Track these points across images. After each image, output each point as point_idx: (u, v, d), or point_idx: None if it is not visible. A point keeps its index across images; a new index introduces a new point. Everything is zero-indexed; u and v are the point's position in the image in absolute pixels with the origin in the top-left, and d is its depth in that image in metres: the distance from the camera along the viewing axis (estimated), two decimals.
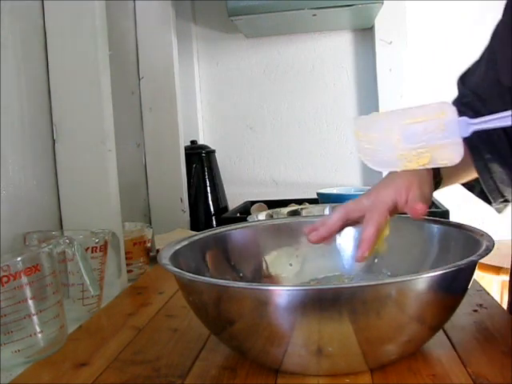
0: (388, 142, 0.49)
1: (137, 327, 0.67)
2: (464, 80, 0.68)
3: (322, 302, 0.45)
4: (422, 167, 0.48)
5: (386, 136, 0.49)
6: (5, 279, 0.54)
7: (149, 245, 0.99)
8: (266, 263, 0.72)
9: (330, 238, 0.60)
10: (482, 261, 0.50)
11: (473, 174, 0.65)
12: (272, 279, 0.71)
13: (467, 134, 0.45)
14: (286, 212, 1.14)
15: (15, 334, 0.56)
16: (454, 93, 0.69)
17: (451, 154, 0.45)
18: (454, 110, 0.45)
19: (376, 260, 0.69)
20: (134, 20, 1.35)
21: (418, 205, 0.55)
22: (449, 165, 0.46)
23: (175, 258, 0.58)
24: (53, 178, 0.85)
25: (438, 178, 0.63)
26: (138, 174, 1.35)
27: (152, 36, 1.36)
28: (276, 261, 0.72)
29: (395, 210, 0.58)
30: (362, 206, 0.59)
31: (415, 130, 0.46)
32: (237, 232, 0.72)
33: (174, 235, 1.20)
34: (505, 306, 0.73)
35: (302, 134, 1.67)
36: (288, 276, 0.71)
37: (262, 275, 0.70)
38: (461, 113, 0.46)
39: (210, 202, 1.50)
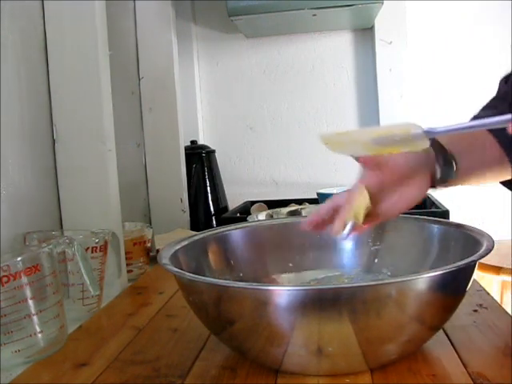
0: (358, 146, 0.53)
1: (137, 327, 0.67)
2: (508, 79, 0.68)
3: (322, 302, 0.45)
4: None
5: (355, 142, 0.53)
6: (5, 279, 0.54)
7: (149, 245, 0.99)
8: (266, 263, 0.72)
9: (321, 224, 0.60)
10: (482, 261, 0.50)
11: (504, 174, 0.65)
12: (272, 279, 0.71)
13: (434, 135, 0.48)
14: (286, 212, 1.14)
15: (15, 334, 0.56)
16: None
17: (421, 143, 0.49)
18: (419, 127, 0.48)
19: (376, 260, 0.70)
20: (134, 20, 1.35)
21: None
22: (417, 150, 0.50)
23: (175, 258, 0.58)
24: (53, 178, 0.85)
25: (447, 161, 0.60)
26: (138, 174, 1.35)
27: (152, 36, 1.36)
28: (276, 261, 0.72)
29: (379, 186, 0.58)
30: (347, 191, 0.60)
31: (383, 138, 0.50)
32: (237, 232, 0.72)
33: (174, 235, 1.20)
34: (505, 306, 0.73)
35: (301, 133, 1.67)
36: (288, 276, 0.71)
37: (262, 275, 0.70)
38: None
39: (210, 202, 1.50)
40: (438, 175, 0.59)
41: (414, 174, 0.59)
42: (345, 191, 0.61)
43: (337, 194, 0.62)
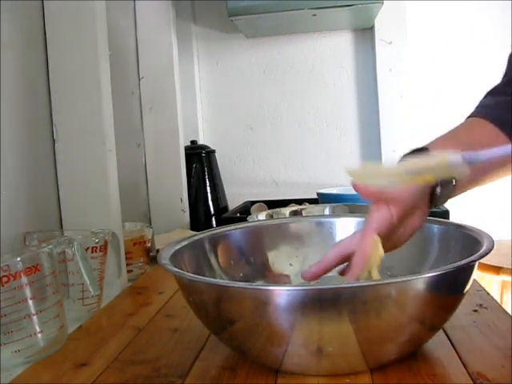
0: (388, 176, 0.52)
1: (137, 327, 0.67)
2: None
3: (322, 302, 0.45)
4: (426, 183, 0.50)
5: (384, 173, 0.52)
6: (5, 279, 0.54)
7: (149, 245, 0.99)
8: (266, 263, 0.72)
9: (324, 274, 0.59)
10: (481, 261, 0.50)
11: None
12: (272, 279, 0.71)
13: (475, 161, 0.47)
14: (286, 212, 1.14)
15: (15, 334, 0.56)
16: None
17: (461, 168, 0.47)
18: (457, 154, 0.47)
19: None
20: (134, 20, 1.35)
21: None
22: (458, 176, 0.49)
23: (175, 258, 0.58)
24: (53, 178, 0.85)
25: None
26: (138, 174, 1.35)
27: (152, 36, 1.36)
28: (276, 261, 0.72)
29: (389, 228, 0.56)
30: (355, 238, 0.58)
31: (417, 168, 0.49)
32: (237, 232, 0.72)
33: (174, 235, 1.20)
34: (505, 306, 0.73)
35: (302, 133, 1.67)
36: (288, 276, 0.71)
37: (262, 275, 0.70)
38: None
39: (210, 202, 1.50)
40: (438, 194, 0.57)
41: (418, 203, 0.57)
42: (352, 235, 0.59)
43: (342, 240, 0.59)
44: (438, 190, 0.57)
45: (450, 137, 0.62)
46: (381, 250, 0.55)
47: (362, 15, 1.46)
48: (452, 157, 0.47)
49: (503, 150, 0.45)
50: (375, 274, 0.54)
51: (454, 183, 0.57)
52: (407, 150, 0.59)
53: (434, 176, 0.49)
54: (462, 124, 0.65)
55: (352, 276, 0.55)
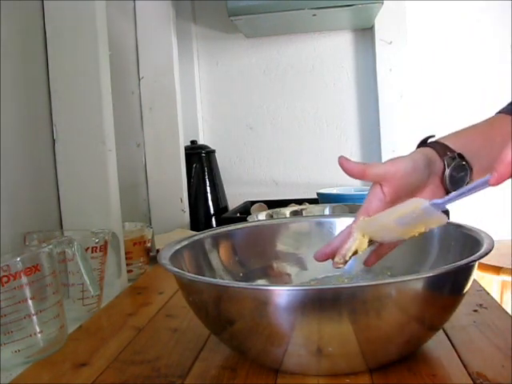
0: (389, 231, 0.54)
1: (137, 327, 0.67)
2: None
3: (322, 302, 0.45)
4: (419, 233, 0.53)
5: (384, 227, 0.55)
6: (5, 279, 0.54)
7: (149, 245, 0.99)
8: (266, 263, 0.72)
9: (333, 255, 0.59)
10: (481, 261, 0.50)
11: None
12: (272, 279, 0.71)
13: (443, 208, 0.51)
14: (286, 212, 1.14)
15: (15, 334, 0.56)
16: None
17: (440, 218, 0.52)
18: (422, 199, 0.52)
19: None
20: (134, 20, 1.35)
21: None
22: (440, 226, 0.53)
23: (175, 257, 0.58)
24: (53, 178, 0.85)
25: (459, 165, 0.58)
26: (138, 174, 1.35)
27: (152, 36, 1.36)
28: (276, 261, 0.72)
29: (382, 207, 0.57)
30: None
31: (403, 218, 0.52)
32: (237, 232, 0.72)
33: (174, 235, 1.20)
34: (505, 305, 0.73)
35: (301, 133, 1.67)
36: (288, 276, 0.71)
37: (262, 275, 0.70)
38: None
39: (210, 202, 1.50)
40: (448, 183, 0.58)
41: (420, 184, 0.57)
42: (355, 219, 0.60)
43: (350, 224, 0.60)
44: (447, 173, 0.57)
45: (469, 129, 0.62)
46: (367, 230, 0.56)
47: (362, 15, 1.46)
48: (421, 203, 0.51)
49: (456, 193, 0.49)
50: (363, 249, 0.56)
51: (468, 170, 0.58)
52: (423, 137, 0.61)
53: (423, 227, 0.52)
54: (487, 119, 0.65)
55: (340, 254, 0.56)
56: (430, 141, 0.61)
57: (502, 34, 1.52)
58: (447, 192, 0.58)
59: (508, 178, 0.44)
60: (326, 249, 0.59)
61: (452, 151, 0.58)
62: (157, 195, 1.39)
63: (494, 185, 0.44)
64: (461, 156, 0.58)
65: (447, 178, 0.58)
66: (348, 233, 0.58)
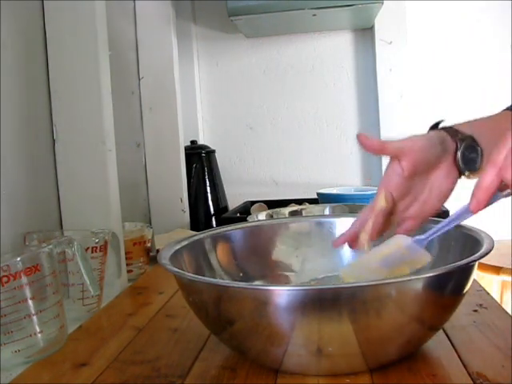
0: (371, 272, 0.56)
1: (137, 327, 0.67)
2: None
3: (322, 302, 0.45)
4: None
5: (369, 270, 0.56)
6: (5, 279, 0.54)
7: (149, 245, 0.99)
8: (266, 263, 0.72)
9: (351, 241, 0.61)
10: (481, 261, 0.50)
11: None
12: (272, 279, 0.71)
13: (424, 245, 0.55)
14: (286, 212, 1.14)
15: (15, 334, 0.56)
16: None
17: (423, 257, 0.55)
18: (405, 237, 0.55)
19: None
20: (134, 20, 1.35)
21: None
22: (423, 266, 0.55)
23: (175, 258, 0.58)
24: (53, 178, 0.85)
25: (470, 146, 0.60)
26: (138, 174, 1.35)
27: (152, 36, 1.36)
28: (276, 261, 0.72)
29: (401, 183, 0.59)
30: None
31: (388, 258, 0.55)
32: (237, 232, 0.72)
33: (174, 235, 1.20)
34: (505, 306, 0.73)
35: (301, 133, 1.67)
36: (288, 276, 0.71)
37: (262, 275, 0.70)
38: None
39: (210, 202, 1.50)
40: (461, 162, 0.59)
41: (436, 161, 0.58)
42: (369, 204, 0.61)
43: (364, 209, 0.62)
44: (460, 154, 0.59)
45: (477, 119, 0.63)
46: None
47: (362, 15, 1.46)
48: (403, 240, 0.54)
49: (438, 227, 0.54)
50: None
51: (479, 152, 0.59)
52: (434, 122, 0.63)
53: (407, 268, 0.54)
54: (494, 113, 0.66)
55: (362, 238, 0.58)
56: (440, 126, 0.62)
57: (501, 34, 1.52)
58: (460, 174, 0.60)
59: (487, 204, 0.45)
60: (344, 236, 0.61)
61: (463, 133, 0.60)
62: (157, 195, 1.39)
63: (474, 211, 0.46)
64: (472, 138, 0.59)
65: (460, 157, 0.59)
66: (363, 217, 0.60)
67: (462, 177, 0.60)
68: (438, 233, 0.55)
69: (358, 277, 0.56)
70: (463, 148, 0.58)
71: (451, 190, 0.60)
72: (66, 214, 0.86)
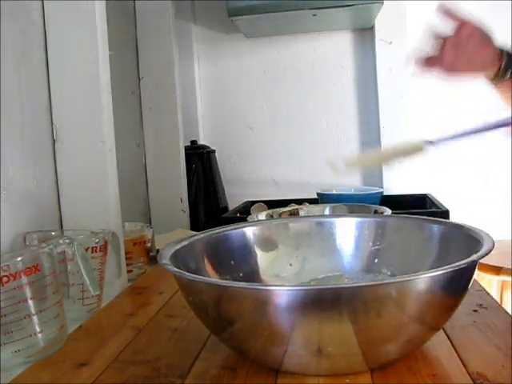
0: (373, 159, 0.63)
1: (137, 327, 0.67)
2: None
3: (322, 302, 0.45)
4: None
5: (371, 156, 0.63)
6: (5, 279, 0.54)
7: (149, 245, 0.99)
8: (267, 263, 0.72)
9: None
10: (481, 261, 0.50)
11: None
12: (272, 279, 0.71)
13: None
14: (280, 212, 1.13)
15: (15, 334, 0.56)
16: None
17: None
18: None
19: (376, 260, 0.70)
20: (134, 20, 1.35)
21: None
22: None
23: (175, 258, 0.58)
24: (53, 178, 0.85)
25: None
26: (138, 174, 1.35)
27: (152, 36, 1.36)
28: (276, 261, 0.72)
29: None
30: None
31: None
32: (237, 232, 0.72)
33: (174, 235, 1.20)
34: (505, 306, 0.73)
35: (302, 133, 1.67)
36: (288, 276, 0.71)
37: (262, 275, 0.70)
38: None
39: (210, 202, 1.50)
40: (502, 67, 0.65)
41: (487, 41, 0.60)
42: None
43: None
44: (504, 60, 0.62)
45: None
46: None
47: (362, 15, 1.46)
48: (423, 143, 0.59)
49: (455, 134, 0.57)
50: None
51: None
52: None
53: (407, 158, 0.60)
54: None
55: None
56: None
57: (501, 34, 1.52)
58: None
59: None
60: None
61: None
62: (157, 195, 1.39)
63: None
64: None
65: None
66: None
67: None
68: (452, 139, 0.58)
69: (357, 161, 0.62)
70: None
71: (488, 66, 0.64)
72: (66, 214, 0.86)
